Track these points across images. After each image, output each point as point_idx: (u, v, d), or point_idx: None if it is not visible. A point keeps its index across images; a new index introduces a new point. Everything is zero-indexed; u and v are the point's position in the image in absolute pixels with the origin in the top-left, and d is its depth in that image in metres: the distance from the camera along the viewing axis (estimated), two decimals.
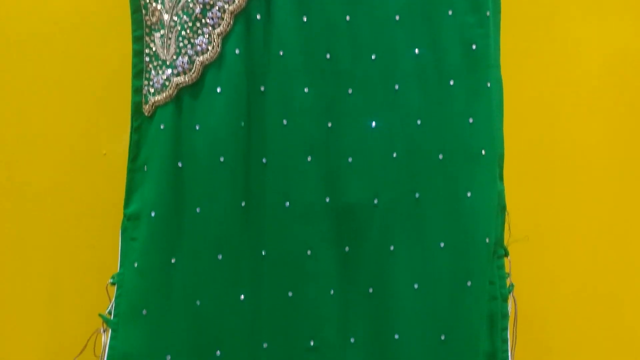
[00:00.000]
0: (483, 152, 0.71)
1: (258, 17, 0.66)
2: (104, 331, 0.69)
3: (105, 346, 0.67)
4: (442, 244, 0.71)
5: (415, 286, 0.71)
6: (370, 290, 0.71)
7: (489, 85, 0.70)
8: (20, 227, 0.91)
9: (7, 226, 0.91)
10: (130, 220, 0.67)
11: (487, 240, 0.72)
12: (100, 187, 0.91)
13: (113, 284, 0.68)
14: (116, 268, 0.71)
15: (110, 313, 0.68)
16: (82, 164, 0.92)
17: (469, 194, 0.70)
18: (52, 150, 0.91)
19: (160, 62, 0.67)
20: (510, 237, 0.77)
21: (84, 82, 0.90)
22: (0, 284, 0.92)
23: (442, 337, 0.72)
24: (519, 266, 0.80)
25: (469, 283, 0.71)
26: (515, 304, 0.78)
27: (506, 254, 0.77)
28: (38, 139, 0.91)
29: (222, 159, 0.66)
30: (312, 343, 0.70)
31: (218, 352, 0.68)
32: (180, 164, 0.66)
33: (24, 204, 0.91)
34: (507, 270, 0.78)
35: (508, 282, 0.78)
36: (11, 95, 0.92)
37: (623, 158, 1.03)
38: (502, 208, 0.76)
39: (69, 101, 0.91)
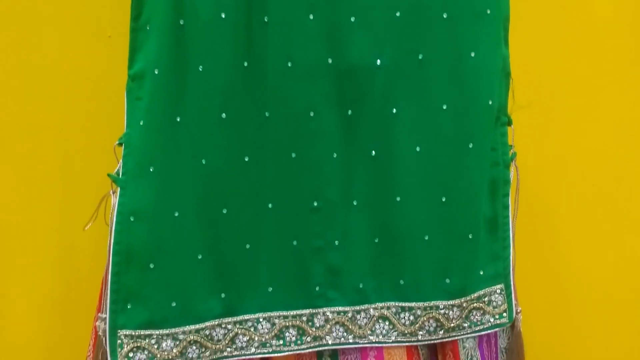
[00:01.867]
0: (488, 11, 0.70)
1: None
2: (113, 193, 0.71)
3: (114, 206, 0.69)
4: (444, 106, 0.71)
5: (417, 149, 0.72)
6: (373, 153, 0.72)
7: None
8: None
9: None
10: (134, 81, 0.68)
11: (490, 102, 0.72)
12: None
13: (120, 144, 0.69)
14: None
15: (118, 173, 0.70)
16: None
17: (472, 54, 0.70)
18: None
19: None
20: (515, 104, 0.77)
21: None
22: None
23: (443, 199, 0.73)
24: (521, 135, 0.81)
25: (470, 145, 0.72)
26: (517, 172, 0.79)
27: (509, 123, 0.78)
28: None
29: (223, 15, 0.65)
30: (315, 204, 0.72)
31: (224, 210, 0.70)
32: (181, 22, 0.66)
33: None
34: (510, 140, 0.79)
35: (511, 152, 0.79)
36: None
37: None
38: (507, 74, 0.76)
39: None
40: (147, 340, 0.69)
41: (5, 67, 0.91)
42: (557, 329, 1.10)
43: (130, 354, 0.69)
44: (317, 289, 0.73)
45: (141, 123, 0.67)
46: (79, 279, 0.98)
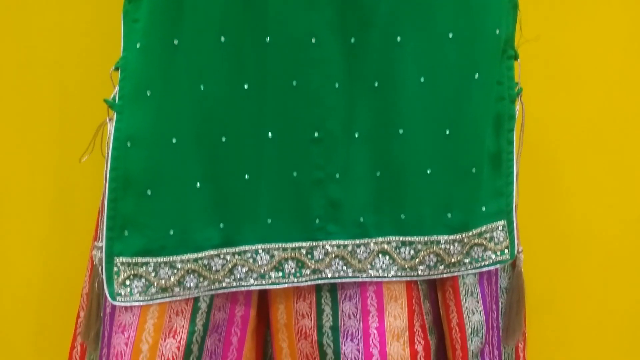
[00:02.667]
0: None
1: None
2: (110, 120, 0.69)
3: (111, 132, 0.68)
4: (450, 34, 0.69)
5: (422, 79, 0.70)
6: (376, 83, 0.70)
7: None
8: None
9: None
10: (131, 3, 0.66)
11: (497, 31, 0.70)
12: None
13: (116, 68, 0.67)
14: None
15: (114, 99, 0.68)
16: None
17: None
18: None
19: None
20: (522, 38, 0.75)
21: None
22: None
23: (447, 132, 0.72)
24: (528, 70, 0.80)
25: (476, 76, 0.70)
26: (522, 108, 0.77)
27: (516, 57, 0.76)
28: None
29: None
30: (316, 134, 0.70)
31: (223, 139, 0.68)
32: None
33: None
34: (516, 76, 0.77)
35: (517, 88, 0.77)
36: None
37: None
38: (514, 5, 0.73)
39: None
40: (144, 268, 0.69)
41: None
42: (557, 270, 1.09)
43: (127, 282, 0.69)
44: (316, 221, 0.73)
45: (138, 46, 0.65)
46: (76, 213, 0.98)
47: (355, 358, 0.76)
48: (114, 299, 0.68)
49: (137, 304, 0.68)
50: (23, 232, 0.98)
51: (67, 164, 0.96)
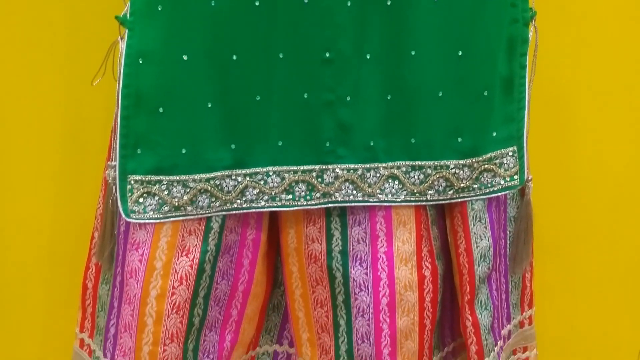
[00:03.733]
0: None
1: None
2: (122, 39, 0.69)
3: (123, 49, 0.68)
4: None
5: None
6: (389, 2, 0.69)
7: None
8: None
9: None
10: None
11: None
12: None
13: None
14: None
15: (125, 16, 0.68)
16: None
17: None
18: None
19: None
20: None
21: None
22: None
23: (460, 53, 0.71)
24: None
25: None
26: (536, 32, 0.77)
27: None
28: None
29: None
30: (327, 55, 0.70)
31: (234, 57, 0.69)
32: None
33: None
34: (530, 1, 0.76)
35: (531, 12, 0.77)
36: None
37: None
38: None
39: None
40: (157, 186, 0.70)
41: None
42: (565, 200, 1.11)
43: (141, 200, 0.70)
44: (327, 144, 0.73)
45: None
46: (89, 131, 1.00)
47: (363, 282, 0.78)
48: (128, 216, 0.70)
49: (150, 221, 0.70)
50: (33, 165, 1.00)
51: (78, 87, 0.97)
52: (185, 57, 0.67)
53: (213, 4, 0.67)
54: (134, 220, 0.70)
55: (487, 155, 0.76)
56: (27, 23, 0.96)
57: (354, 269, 0.78)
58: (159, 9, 0.66)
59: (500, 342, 0.85)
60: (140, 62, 0.67)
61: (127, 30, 0.67)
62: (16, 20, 0.96)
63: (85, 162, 0.99)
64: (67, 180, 1.02)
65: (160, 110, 0.68)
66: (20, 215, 1.02)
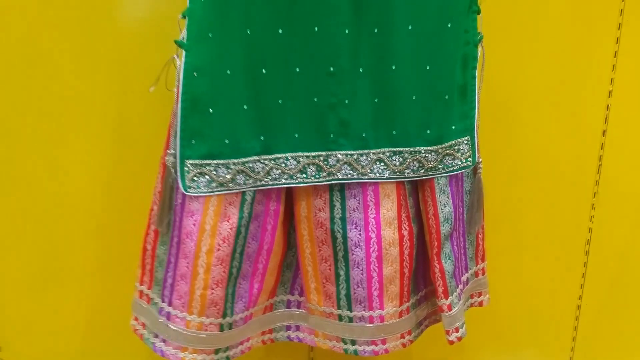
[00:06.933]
0: None
1: None
2: (177, 57, 0.89)
3: (181, 65, 0.88)
4: None
5: (410, 27, 0.92)
6: (376, 30, 0.91)
7: None
8: None
9: None
10: None
11: None
12: None
13: (184, 17, 0.87)
14: None
15: (182, 40, 0.88)
16: None
17: None
18: None
19: None
20: None
21: None
22: None
23: (427, 68, 0.94)
24: (487, 22, 1.03)
25: (449, 25, 0.93)
26: (483, 51, 1.00)
27: (478, 12, 0.99)
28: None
29: None
30: (331, 69, 0.92)
31: (264, 71, 0.90)
32: None
33: None
34: (478, 26, 1.00)
35: (478, 36, 1.00)
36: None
37: None
38: None
39: None
40: (207, 168, 0.90)
41: None
42: (508, 177, 1.32)
43: (195, 178, 0.90)
44: (331, 136, 0.94)
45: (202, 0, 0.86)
46: (141, 129, 1.15)
47: (358, 241, 0.99)
48: (186, 190, 0.90)
49: (202, 194, 0.90)
50: (88, 157, 1.15)
51: (131, 93, 1.13)
52: (228, 72, 0.88)
53: (249, 32, 0.88)
54: (190, 194, 0.90)
55: (449, 143, 0.98)
56: (94, 41, 1.11)
57: (350, 231, 0.98)
58: (210, 35, 0.86)
59: (460, 286, 1.07)
60: (195, 75, 0.87)
61: (184, 52, 0.88)
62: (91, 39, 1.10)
63: (138, 155, 1.15)
64: (122, 169, 1.18)
65: (210, 110, 0.88)
66: (84, 201, 1.17)
